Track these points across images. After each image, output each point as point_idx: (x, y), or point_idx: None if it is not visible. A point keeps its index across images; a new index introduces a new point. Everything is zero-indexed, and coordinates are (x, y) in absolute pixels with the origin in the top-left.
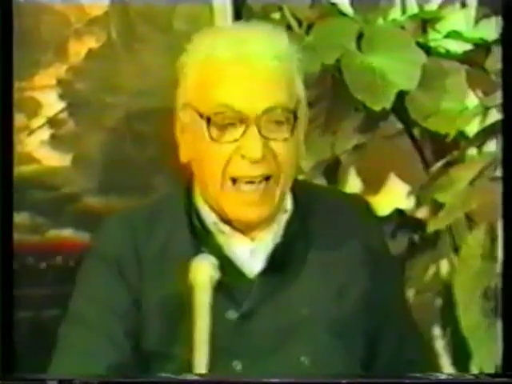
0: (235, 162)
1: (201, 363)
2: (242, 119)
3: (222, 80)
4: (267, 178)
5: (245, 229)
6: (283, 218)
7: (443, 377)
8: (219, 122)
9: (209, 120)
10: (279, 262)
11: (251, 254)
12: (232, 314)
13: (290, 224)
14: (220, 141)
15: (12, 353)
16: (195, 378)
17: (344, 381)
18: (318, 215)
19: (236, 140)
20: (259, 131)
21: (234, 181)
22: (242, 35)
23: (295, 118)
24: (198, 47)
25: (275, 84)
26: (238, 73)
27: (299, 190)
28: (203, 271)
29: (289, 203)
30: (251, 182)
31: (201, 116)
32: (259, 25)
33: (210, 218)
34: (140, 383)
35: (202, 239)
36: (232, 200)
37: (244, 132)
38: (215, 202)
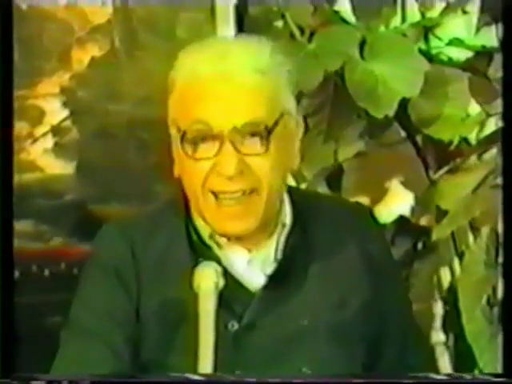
0: (212, 178)
1: (205, 371)
2: (215, 135)
3: (200, 96)
4: (250, 192)
5: (240, 240)
6: (283, 233)
7: (441, 377)
8: (192, 137)
9: (183, 136)
10: (281, 277)
11: (248, 265)
12: (233, 326)
13: (289, 238)
14: (196, 157)
15: (13, 357)
16: (196, 377)
17: (340, 380)
18: (318, 226)
19: (212, 157)
20: (234, 147)
21: (216, 195)
22: (224, 50)
23: (269, 133)
24: (183, 63)
25: (254, 99)
26: (217, 89)
27: (299, 200)
28: (208, 278)
29: (288, 217)
30: (231, 197)
31: (179, 132)
32: (244, 38)
33: (205, 230)
34: (136, 383)
35: (199, 251)
36: (215, 214)
37: (219, 148)
38: (202, 216)
